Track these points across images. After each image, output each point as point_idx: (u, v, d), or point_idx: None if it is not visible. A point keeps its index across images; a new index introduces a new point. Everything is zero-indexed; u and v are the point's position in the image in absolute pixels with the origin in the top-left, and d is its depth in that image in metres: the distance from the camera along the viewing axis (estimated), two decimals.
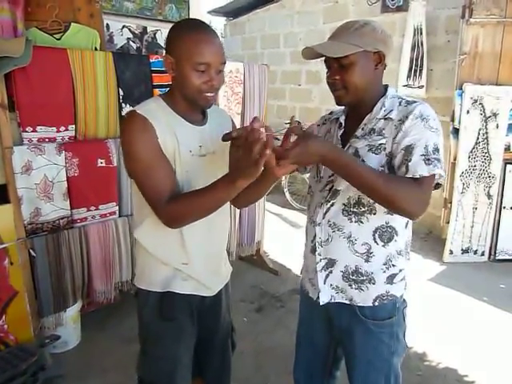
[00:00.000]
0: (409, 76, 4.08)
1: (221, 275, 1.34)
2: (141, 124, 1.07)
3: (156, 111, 1.11)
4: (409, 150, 1.03)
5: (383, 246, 1.12)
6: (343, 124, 1.21)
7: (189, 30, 1.08)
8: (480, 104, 3.34)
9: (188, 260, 1.21)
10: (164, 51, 1.15)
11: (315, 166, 1.27)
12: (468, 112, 3.35)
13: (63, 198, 2.13)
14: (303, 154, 0.95)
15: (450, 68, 3.72)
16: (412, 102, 1.10)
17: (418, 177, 1.01)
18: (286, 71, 5.85)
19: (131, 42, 2.88)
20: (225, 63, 1.12)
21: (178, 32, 1.10)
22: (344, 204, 1.13)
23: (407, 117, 1.05)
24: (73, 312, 2.27)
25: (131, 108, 1.15)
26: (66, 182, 2.13)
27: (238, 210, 3.02)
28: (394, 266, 1.15)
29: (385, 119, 1.10)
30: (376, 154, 1.08)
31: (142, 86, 2.39)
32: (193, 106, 1.15)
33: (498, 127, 3.38)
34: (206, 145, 1.20)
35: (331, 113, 1.32)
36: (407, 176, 1.02)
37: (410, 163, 1.02)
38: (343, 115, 1.23)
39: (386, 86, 1.17)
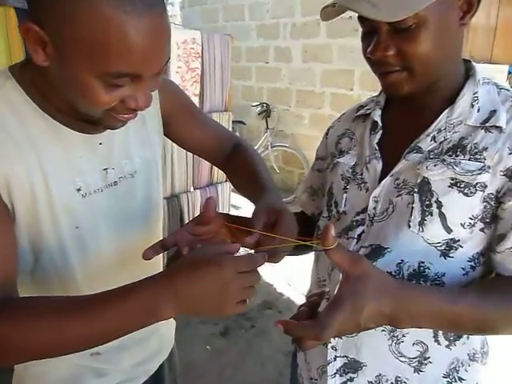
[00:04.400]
0: None
1: (159, 346, 0.87)
2: None
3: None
4: None
5: (447, 346, 0.65)
6: (380, 124, 0.71)
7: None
8: None
9: (100, 347, 0.72)
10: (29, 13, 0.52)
11: (326, 195, 0.79)
12: None
13: None
14: (352, 327, 0.52)
15: None
16: None
17: None
18: (251, 47, 5.30)
19: None
20: (169, 59, 0.56)
21: None
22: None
23: None
24: None
25: None
26: None
27: (196, 199, 2.54)
28: (462, 380, 0.67)
29: (484, 128, 0.61)
30: (467, 195, 0.59)
31: None
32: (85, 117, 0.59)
33: None
34: (116, 164, 0.67)
35: (359, 108, 0.79)
36: None
37: None
38: (377, 109, 0.73)
39: (467, 61, 0.68)
